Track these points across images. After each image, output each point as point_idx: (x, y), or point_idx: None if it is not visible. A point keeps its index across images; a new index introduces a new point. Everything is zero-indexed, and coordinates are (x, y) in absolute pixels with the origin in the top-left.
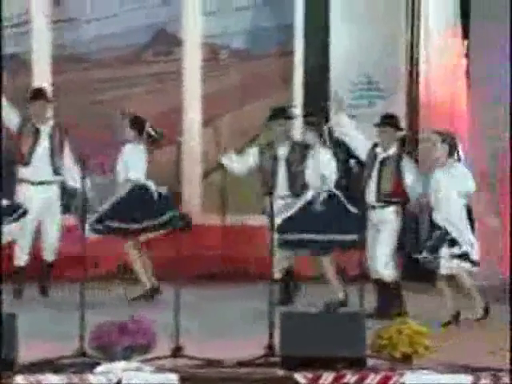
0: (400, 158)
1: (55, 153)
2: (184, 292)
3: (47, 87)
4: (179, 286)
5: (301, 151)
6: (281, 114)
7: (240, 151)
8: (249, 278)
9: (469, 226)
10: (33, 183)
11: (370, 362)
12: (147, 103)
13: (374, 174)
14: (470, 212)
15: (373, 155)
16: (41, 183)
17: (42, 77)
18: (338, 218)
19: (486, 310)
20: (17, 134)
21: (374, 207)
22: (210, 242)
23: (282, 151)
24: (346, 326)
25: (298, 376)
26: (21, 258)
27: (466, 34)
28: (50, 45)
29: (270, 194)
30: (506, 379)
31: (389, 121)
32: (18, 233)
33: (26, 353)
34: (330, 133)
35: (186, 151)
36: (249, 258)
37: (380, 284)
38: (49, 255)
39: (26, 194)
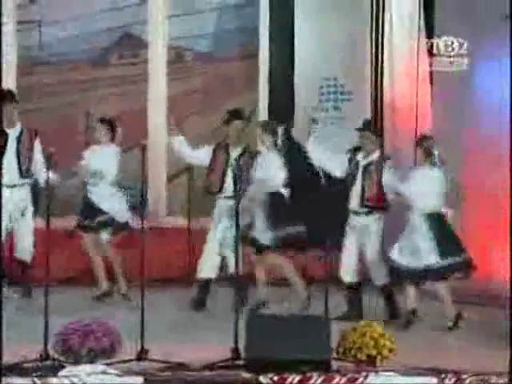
0: (383, 164)
1: (23, 156)
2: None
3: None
4: (144, 289)
5: (251, 154)
6: (236, 116)
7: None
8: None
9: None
10: (5, 186)
11: (336, 364)
12: (112, 105)
13: (358, 180)
14: (441, 217)
15: (355, 161)
16: (11, 186)
17: (6, 79)
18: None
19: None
20: None
21: (357, 213)
22: (176, 244)
23: (235, 153)
24: (312, 329)
25: (264, 379)
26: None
27: (430, 34)
28: (16, 47)
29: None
30: (469, 381)
31: (371, 126)
32: None
33: None
34: (288, 135)
35: (151, 154)
36: None
37: (348, 289)
38: (26, 257)
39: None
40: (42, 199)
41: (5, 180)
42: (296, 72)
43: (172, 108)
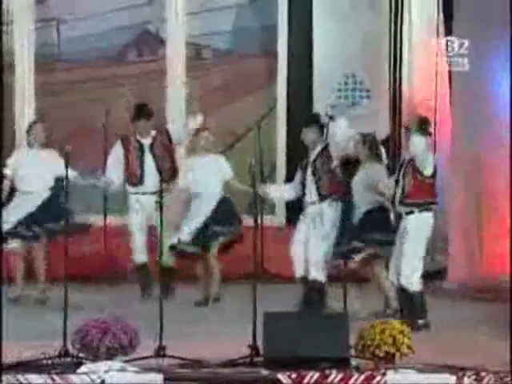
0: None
1: (161, 162)
2: None
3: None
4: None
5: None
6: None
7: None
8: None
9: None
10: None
11: (354, 361)
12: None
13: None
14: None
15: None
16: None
17: (24, 77)
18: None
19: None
20: None
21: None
22: None
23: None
24: (330, 326)
25: (282, 376)
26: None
27: (448, 32)
28: (33, 45)
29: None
30: (488, 378)
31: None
32: None
33: (9, 353)
34: None
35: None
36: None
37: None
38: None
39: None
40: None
41: (147, 189)
42: (314, 69)
43: (190, 105)
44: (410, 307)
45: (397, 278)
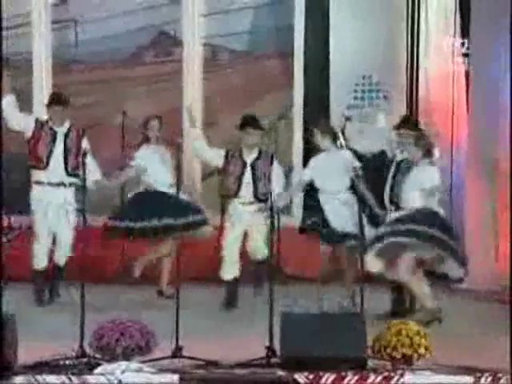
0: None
1: (71, 154)
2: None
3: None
4: (179, 287)
5: (265, 159)
6: (250, 123)
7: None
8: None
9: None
10: (49, 185)
11: (371, 362)
12: (147, 104)
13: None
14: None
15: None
16: (57, 184)
17: (42, 78)
18: None
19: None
20: (31, 138)
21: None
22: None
23: (249, 158)
24: (347, 327)
25: (299, 377)
26: (41, 260)
27: (466, 33)
28: (51, 46)
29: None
30: (505, 379)
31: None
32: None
33: (27, 354)
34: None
35: (187, 153)
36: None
37: None
38: (61, 258)
39: (42, 197)
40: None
41: (51, 178)
42: (331, 70)
43: (207, 106)
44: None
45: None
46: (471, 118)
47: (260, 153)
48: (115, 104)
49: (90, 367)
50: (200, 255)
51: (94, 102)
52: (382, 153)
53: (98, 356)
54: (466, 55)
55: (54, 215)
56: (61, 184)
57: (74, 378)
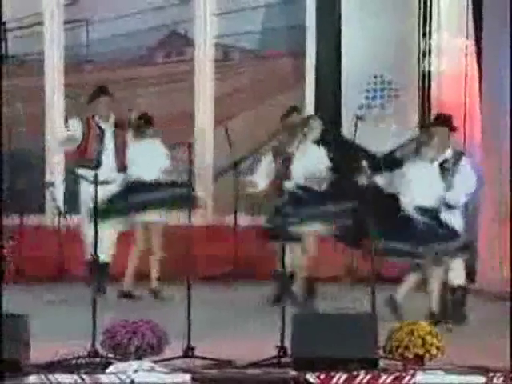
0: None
1: (119, 149)
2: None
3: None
4: (190, 286)
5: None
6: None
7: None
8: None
9: None
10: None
11: (383, 362)
12: (159, 104)
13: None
14: None
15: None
16: (107, 182)
17: (54, 78)
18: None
19: None
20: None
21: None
22: (222, 242)
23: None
24: (358, 327)
25: (311, 377)
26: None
27: (478, 33)
28: (62, 45)
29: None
30: None
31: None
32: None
33: (39, 353)
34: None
35: (198, 152)
36: (259, 258)
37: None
38: (106, 257)
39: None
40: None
41: (100, 176)
42: (343, 69)
43: (218, 106)
44: (455, 301)
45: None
46: (484, 118)
47: None
48: (126, 104)
49: (103, 366)
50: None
51: None
52: (392, 152)
53: (110, 355)
54: (478, 54)
55: None
56: (109, 182)
57: (86, 378)
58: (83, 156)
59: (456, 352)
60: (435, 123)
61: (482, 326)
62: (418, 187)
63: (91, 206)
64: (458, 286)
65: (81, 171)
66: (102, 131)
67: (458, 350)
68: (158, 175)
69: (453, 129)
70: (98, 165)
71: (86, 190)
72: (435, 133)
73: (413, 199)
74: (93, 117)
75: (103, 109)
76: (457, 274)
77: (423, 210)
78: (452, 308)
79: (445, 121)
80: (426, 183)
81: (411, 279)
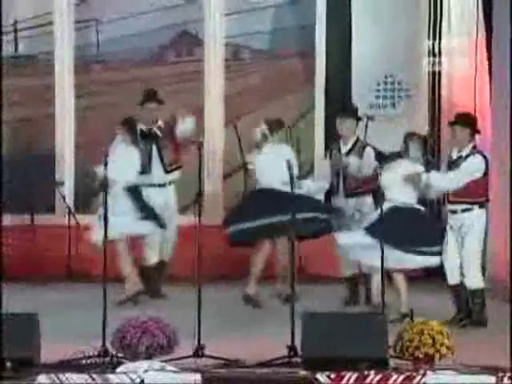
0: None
1: (167, 152)
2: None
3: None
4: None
5: None
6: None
7: None
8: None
9: None
10: (152, 186)
11: (393, 362)
12: (169, 103)
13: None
14: None
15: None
16: (158, 185)
17: (64, 77)
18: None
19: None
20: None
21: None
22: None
23: None
24: (369, 327)
25: (321, 376)
26: (151, 257)
27: (488, 34)
28: (73, 45)
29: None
30: None
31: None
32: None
33: (50, 352)
34: None
35: (208, 151)
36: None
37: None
38: (166, 256)
39: (149, 198)
40: None
41: (153, 180)
42: (353, 69)
43: (229, 106)
44: (472, 305)
45: (460, 276)
46: (494, 117)
47: None
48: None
49: (113, 366)
50: None
51: (115, 102)
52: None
53: (120, 355)
54: (488, 54)
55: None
56: (162, 185)
57: (96, 377)
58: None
59: (467, 352)
60: (455, 122)
61: (495, 326)
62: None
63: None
64: (476, 289)
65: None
66: (148, 136)
67: (469, 349)
68: None
69: (476, 130)
70: (146, 169)
71: (144, 195)
72: (455, 131)
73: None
74: (139, 122)
75: (148, 115)
76: (473, 278)
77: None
78: (472, 312)
79: (466, 121)
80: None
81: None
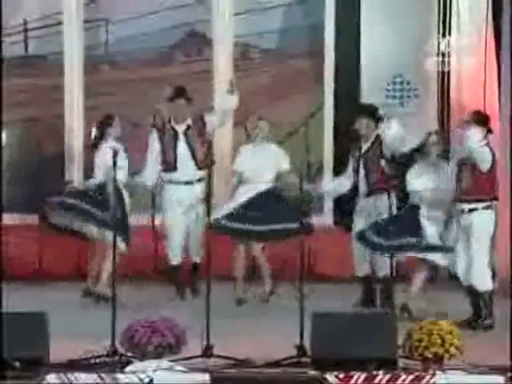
0: None
1: (197, 149)
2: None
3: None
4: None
5: None
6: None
7: None
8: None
9: None
10: (180, 184)
11: (402, 362)
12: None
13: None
14: None
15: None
16: (186, 183)
17: (73, 77)
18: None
19: None
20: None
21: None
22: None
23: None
24: (378, 327)
25: (330, 376)
26: (174, 257)
27: (497, 33)
28: (82, 45)
29: None
30: None
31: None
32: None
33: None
34: None
35: (217, 151)
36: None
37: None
38: (195, 255)
39: (172, 195)
40: None
41: (181, 177)
42: (362, 68)
43: (238, 105)
44: (479, 307)
45: (467, 277)
46: (502, 117)
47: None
48: (145, 103)
49: (122, 365)
50: None
51: (124, 102)
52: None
53: (129, 354)
54: (497, 54)
55: (185, 213)
56: (190, 182)
57: (105, 377)
58: (163, 160)
59: (476, 352)
60: (470, 120)
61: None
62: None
63: (177, 207)
64: (484, 291)
65: (162, 175)
66: (176, 133)
67: (477, 349)
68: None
69: (489, 130)
70: (175, 167)
71: (171, 192)
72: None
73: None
74: (169, 120)
75: (178, 112)
76: (481, 279)
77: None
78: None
79: (480, 119)
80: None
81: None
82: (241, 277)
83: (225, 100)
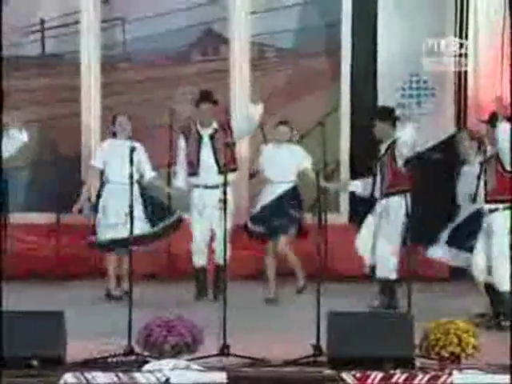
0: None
1: (221, 153)
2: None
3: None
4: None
5: None
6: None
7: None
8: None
9: None
10: (205, 187)
11: (419, 361)
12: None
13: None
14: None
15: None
16: (212, 187)
17: (90, 76)
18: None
19: None
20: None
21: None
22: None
23: None
24: (394, 326)
25: (346, 376)
26: (198, 259)
27: None
28: (99, 44)
29: None
30: None
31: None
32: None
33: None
34: None
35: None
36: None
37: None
38: (220, 258)
39: (198, 199)
40: None
41: (205, 181)
42: (379, 68)
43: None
44: (500, 307)
45: (487, 277)
46: None
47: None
48: (162, 103)
49: (138, 365)
50: None
51: (141, 101)
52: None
53: (146, 353)
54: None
55: (210, 215)
56: (215, 186)
57: (122, 376)
58: (188, 163)
59: (492, 351)
60: (490, 120)
61: None
62: None
63: (200, 210)
64: (504, 291)
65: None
66: (201, 137)
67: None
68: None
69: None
70: (197, 171)
71: (197, 195)
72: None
73: None
74: (195, 123)
75: (205, 115)
76: (501, 280)
77: None
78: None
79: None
80: None
81: None
82: (272, 276)
83: (251, 111)
